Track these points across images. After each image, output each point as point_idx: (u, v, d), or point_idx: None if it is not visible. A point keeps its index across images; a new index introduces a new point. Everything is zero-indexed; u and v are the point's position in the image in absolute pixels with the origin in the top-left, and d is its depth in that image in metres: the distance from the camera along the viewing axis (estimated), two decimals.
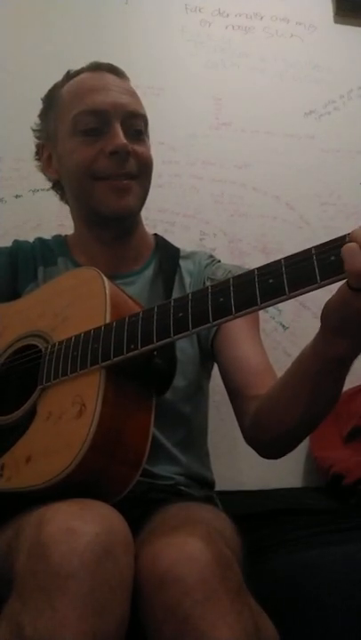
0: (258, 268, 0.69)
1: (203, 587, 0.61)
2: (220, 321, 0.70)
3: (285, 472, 1.53)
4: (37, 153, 1.12)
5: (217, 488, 1.09)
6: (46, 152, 1.10)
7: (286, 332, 1.63)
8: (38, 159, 1.12)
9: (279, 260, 0.67)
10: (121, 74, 1.07)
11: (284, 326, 1.63)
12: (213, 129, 1.73)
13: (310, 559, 0.90)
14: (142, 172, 1.02)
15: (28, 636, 0.57)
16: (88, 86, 1.03)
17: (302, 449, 1.55)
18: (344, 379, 0.79)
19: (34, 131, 1.12)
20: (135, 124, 1.02)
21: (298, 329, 1.63)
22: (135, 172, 1.00)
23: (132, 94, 1.05)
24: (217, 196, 1.70)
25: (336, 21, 1.87)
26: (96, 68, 1.06)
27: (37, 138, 1.12)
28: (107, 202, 0.99)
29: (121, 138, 0.98)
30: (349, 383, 1.49)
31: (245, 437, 0.94)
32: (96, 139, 0.99)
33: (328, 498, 1.37)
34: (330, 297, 0.70)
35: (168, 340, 0.73)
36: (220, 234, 1.67)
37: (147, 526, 0.80)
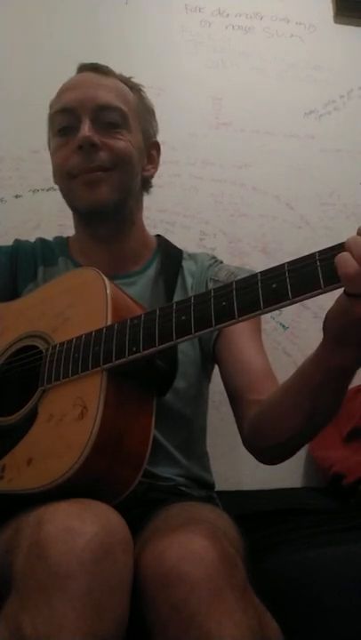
0: (261, 273, 0.68)
1: (208, 584, 0.61)
2: (222, 325, 0.70)
3: (285, 472, 1.53)
4: None
5: (217, 488, 1.09)
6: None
7: (286, 331, 1.63)
8: None
9: (283, 265, 0.66)
10: (103, 71, 1.05)
11: (284, 326, 1.63)
12: (213, 129, 1.73)
13: (310, 559, 0.89)
14: (117, 164, 1.00)
15: (26, 635, 0.57)
16: (64, 87, 1.05)
17: (302, 449, 1.55)
18: (346, 389, 0.78)
19: None
20: (107, 116, 1.01)
21: (298, 329, 1.62)
22: (107, 164, 0.99)
23: (110, 88, 1.03)
24: (217, 196, 1.70)
25: (336, 21, 1.87)
26: (80, 69, 1.07)
27: None
28: (80, 197, 1.01)
29: (84, 131, 0.98)
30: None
31: (244, 442, 0.94)
32: (69, 138, 1.01)
33: (328, 498, 1.37)
34: (331, 301, 0.70)
35: (170, 343, 0.73)
36: (220, 234, 1.67)
37: (148, 526, 0.80)
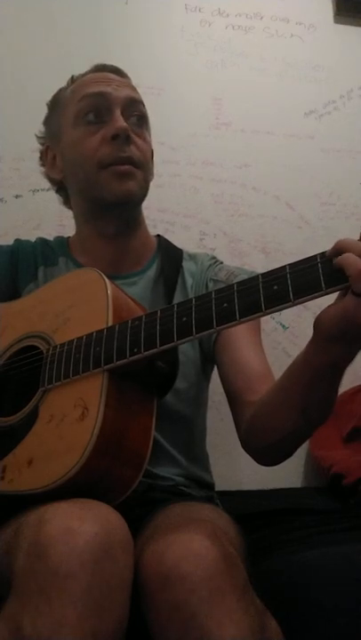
0: (262, 274, 0.68)
1: (209, 584, 0.61)
2: (223, 326, 0.70)
3: (285, 472, 1.53)
4: (41, 158, 1.14)
5: (217, 488, 1.09)
6: (51, 153, 1.11)
7: (286, 331, 1.63)
8: (42, 164, 1.14)
9: (284, 267, 0.67)
10: (123, 74, 1.09)
11: (284, 326, 1.64)
12: (213, 129, 1.73)
13: (310, 559, 0.89)
14: (142, 164, 1.02)
15: (27, 635, 0.57)
16: (90, 79, 1.06)
17: (302, 449, 1.55)
18: (338, 385, 0.78)
19: (38, 137, 1.14)
20: (136, 109, 1.04)
21: (298, 329, 1.63)
22: (136, 161, 1.01)
23: (134, 89, 1.07)
24: (217, 196, 1.70)
25: (336, 21, 1.87)
26: (99, 69, 1.08)
27: (42, 143, 1.13)
28: (110, 187, 1.00)
29: (122, 121, 1.00)
30: (349, 383, 1.49)
31: (242, 443, 0.94)
32: (98, 127, 1.01)
33: (328, 498, 1.37)
34: (328, 301, 0.69)
35: (171, 344, 0.73)
36: (220, 234, 1.67)
37: (149, 525, 0.80)
